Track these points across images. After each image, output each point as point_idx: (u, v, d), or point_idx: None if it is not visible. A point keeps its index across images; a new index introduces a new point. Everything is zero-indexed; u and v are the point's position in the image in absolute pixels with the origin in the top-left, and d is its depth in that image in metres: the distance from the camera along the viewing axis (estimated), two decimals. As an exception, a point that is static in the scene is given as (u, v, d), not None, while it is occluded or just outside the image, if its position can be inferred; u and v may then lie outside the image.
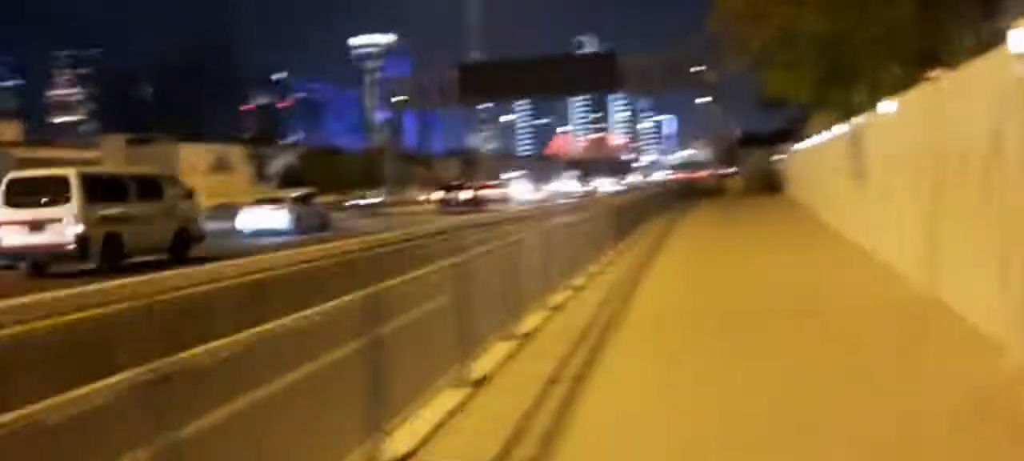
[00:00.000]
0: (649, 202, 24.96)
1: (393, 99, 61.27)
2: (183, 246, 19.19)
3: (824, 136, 19.34)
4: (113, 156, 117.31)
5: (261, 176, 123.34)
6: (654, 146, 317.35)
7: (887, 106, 10.14)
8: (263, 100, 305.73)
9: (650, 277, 11.80)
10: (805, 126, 48.79)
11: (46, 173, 17.87)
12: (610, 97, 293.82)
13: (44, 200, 16.57)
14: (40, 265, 16.80)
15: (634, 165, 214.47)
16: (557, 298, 9.46)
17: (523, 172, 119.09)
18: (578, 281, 10.96)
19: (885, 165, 11.39)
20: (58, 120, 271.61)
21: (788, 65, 17.00)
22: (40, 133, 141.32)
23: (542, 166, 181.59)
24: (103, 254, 16.69)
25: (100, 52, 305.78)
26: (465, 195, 45.08)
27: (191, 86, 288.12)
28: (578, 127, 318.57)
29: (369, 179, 71.83)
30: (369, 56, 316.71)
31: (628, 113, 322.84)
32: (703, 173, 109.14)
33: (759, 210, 29.18)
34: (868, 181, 12.67)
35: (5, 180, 17.01)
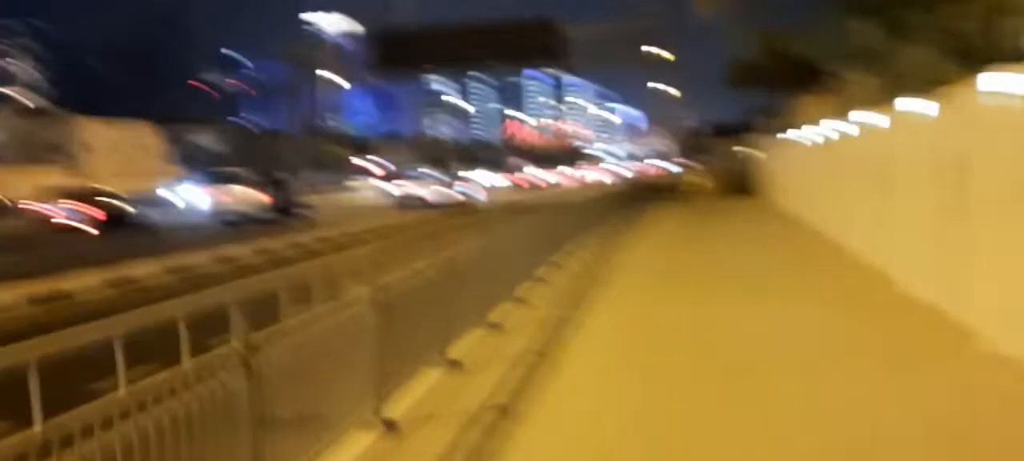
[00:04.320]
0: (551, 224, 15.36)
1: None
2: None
3: (872, 124, 10.17)
4: (3, 128, 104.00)
5: (174, 155, 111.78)
6: (614, 138, 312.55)
7: None
8: (211, 77, 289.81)
9: None
10: (778, 117, 39.85)
11: None
12: (569, 82, 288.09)
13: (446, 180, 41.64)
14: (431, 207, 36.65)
15: (586, 152, 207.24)
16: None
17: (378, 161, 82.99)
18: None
19: None
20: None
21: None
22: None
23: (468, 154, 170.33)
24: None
25: (47, 25, 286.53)
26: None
27: (141, 63, 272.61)
28: (533, 114, 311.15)
29: (301, 163, 65.72)
30: (318, 33, 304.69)
31: (584, 101, 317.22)
32: (653, 170, 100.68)
33: (740, 233, 19.95)
34: None
35: None
